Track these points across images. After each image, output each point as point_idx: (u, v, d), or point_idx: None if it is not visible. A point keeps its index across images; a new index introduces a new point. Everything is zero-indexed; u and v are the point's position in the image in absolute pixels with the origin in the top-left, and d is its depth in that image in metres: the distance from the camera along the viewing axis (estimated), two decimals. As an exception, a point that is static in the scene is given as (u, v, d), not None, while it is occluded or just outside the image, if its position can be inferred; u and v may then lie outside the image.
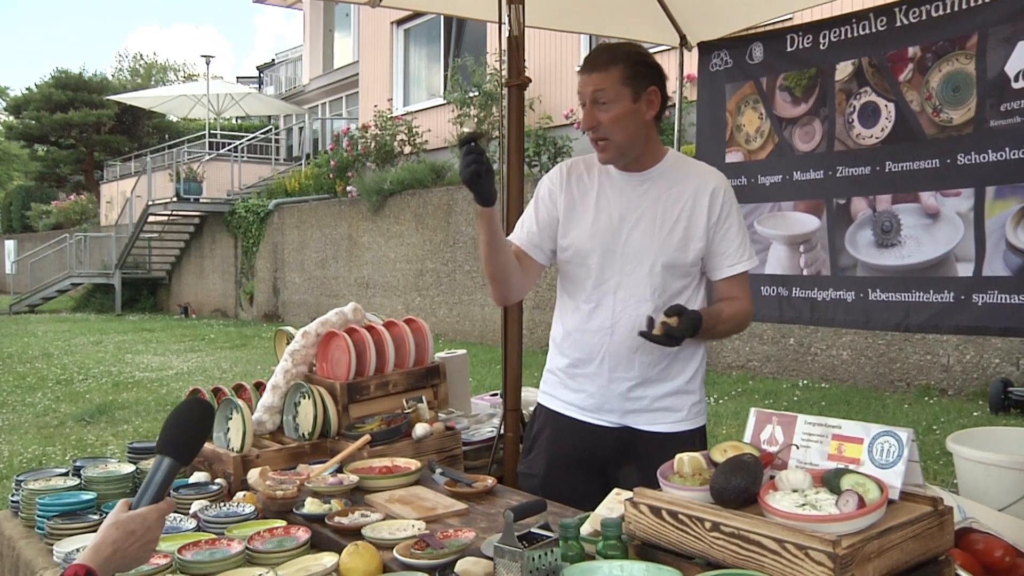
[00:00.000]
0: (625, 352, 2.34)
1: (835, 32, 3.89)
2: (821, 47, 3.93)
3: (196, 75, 40.54)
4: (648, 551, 1.61)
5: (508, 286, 2.36)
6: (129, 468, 2.45)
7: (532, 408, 2.66)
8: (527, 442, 2.55)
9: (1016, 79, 3.32)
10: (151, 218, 20.37)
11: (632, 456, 2.37)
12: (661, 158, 2.41)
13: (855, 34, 3.82)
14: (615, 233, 2.34)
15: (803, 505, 1.45)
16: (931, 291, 3.57)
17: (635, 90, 2.29)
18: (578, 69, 2.34)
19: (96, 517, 2.11)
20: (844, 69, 3.84)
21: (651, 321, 2.16)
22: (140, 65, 45.80)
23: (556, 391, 2.48)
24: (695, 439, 2.42)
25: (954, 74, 3.49)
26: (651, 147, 2.39)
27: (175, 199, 19.74)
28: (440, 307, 13.31)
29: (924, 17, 3.57)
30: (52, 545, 2.01)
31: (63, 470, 2.53)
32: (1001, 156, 3.37)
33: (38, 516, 2.17)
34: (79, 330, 16.56)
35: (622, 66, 2.28)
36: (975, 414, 6.87)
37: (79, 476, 2.41)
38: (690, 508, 1.54)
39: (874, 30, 3.74)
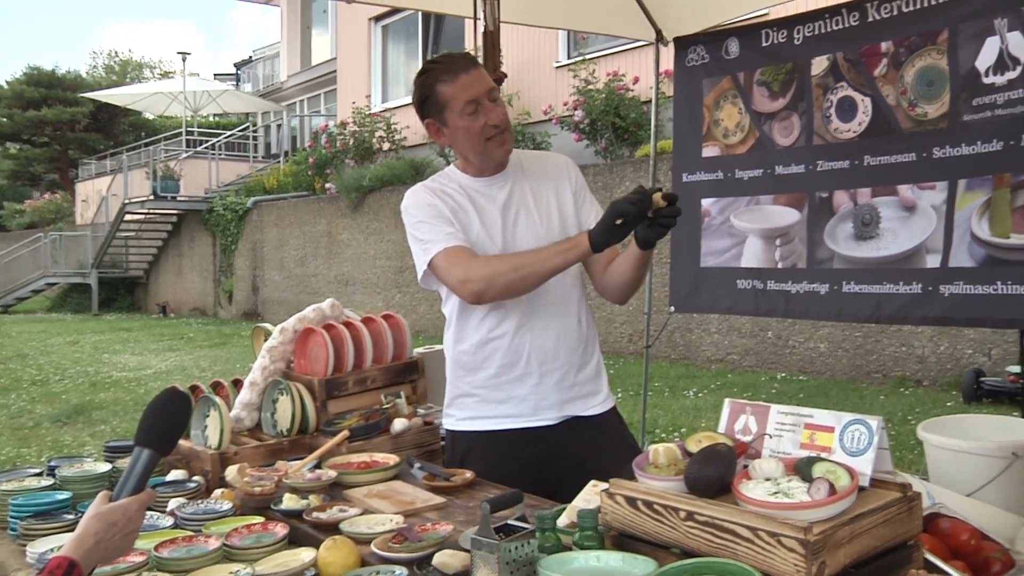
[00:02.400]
0: (550, 343, 2.34)
1: (809, 27, 3.92)
2: (796, 42, 3.96)
3: (172, 72, 40.24)
4: (624, 541, 1.62)
5: None
6: (106, 467, 2.43)
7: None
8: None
9: (987, 74, 3.37)
10: (128, 217, 20.23)
11: (575, 444, 2.36)
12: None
13: (828, 29, 3.85)
14: (502, 232, 2.33)
15: (775, 493, 1.47)
16: (901, 282, 3.61)
17: None
18: (462, 74, 2.25)
19: (71, 517, 2.10)
20: (819, 64, 3.88)
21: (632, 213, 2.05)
22: (115, 62, 45.32)
23: (478, 411, 2.39)
24: (618, 416, 2.49)
25: (927, 69, 3.53)
26: None
27: (152, 197, 19.63)
28: (421, 304, 13.30)
29: (895, 12, 3.61)
30: (25, 546, 1.99)
31: (37, 470, 2.51)
32: (973, 150, 3.41)
33: (11, 517, 2.14)
34: (55, 330, 16.42)
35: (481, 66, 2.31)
36: (949, 404, 6.96)
37: (54, 476, 2.40)
38: (665, 498, 1.55)
39: (847, 25, 3.78)
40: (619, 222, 2.03)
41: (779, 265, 4.03)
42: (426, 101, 2.31)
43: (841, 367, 8.50)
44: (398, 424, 2.58)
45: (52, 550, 1.81)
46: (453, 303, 2.40)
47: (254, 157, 24.03)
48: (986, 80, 3.36)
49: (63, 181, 32.89)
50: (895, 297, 3.62)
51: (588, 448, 2.36)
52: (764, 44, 4.07)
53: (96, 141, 32.33)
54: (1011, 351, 7.19)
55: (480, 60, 3.43)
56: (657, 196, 2.02)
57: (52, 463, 2.55)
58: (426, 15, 16.59)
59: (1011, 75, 3.30)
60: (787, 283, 3.99)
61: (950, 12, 3.45)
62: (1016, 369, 6.45)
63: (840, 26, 3.79)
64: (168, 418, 1.57)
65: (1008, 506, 2.62)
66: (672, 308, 4.54)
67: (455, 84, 2.24)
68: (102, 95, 28.03)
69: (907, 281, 3.58)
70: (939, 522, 1.78)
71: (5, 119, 32.88)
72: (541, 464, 2.35)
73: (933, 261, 3.52)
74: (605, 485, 1.70)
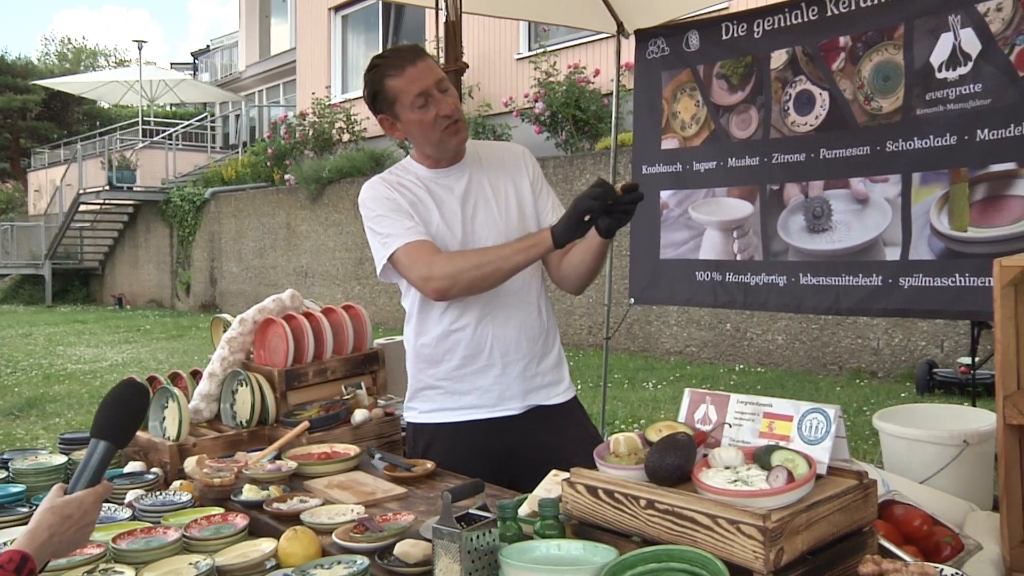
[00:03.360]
0: (512, 333, 2.34)
1: (769, 21, 3.96)
2: (756, 36, 4.00)
3: (128, 61, 39.47)
4: (585, 530, 1.63)
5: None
6: (61, 459, 2.39)
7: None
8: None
9: (940, 70, 3.43)
10: (82, 207, 19.87)
11: (538, 433, 2.37)
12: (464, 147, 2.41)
13: (788, 23, 3.89)
14: (462, 223, 2.33)
15: (735, 481, 1.49)
16: (860, 275, 3.66)
17: None
18: (408, 67, 2.24)
19: (26, 510, 2.06)
20: (779, 57, 3.92)
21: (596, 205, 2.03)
22: (68, 49, 44.22)
23: (441, 403, 2.39)
24: (579, 406, 2.52)
25: (884, 64, 3.59)
26: None
27: (107, 187, 19.28)
28: (380, 296, 13.24)
29: (854, 7, 3.66)
30: (-21, 539, 1.96)
31: (-10, 463, 2.47)
32: (926, 144, 3.48)
33: (-36, 510, 2.11)
34: (6, 322, 16.10)
35: (430, 57, 2.31)
36: (903, 395, 7.09)
37: (7, 469, 2.36)
38: (626, 487, 1.57)
39: (806, 19, 3.82)
40: (587, 219, 2.04)
41: (737, 257, 4.07)
42: (376, 97, 2.31)
43: (798, 359, 8.62)
44: (358, 415, 2.57)
45: (5, 543, 1.77)
46: (413, 296, 2.39)
47: (212, 148, 23.71)
48: (939, 75, 3.42)
49: (15, 170, 32.15)
50: (854, 289, 3.67)
51: (551, 437, 2.37)
52: (724, 37, 4.10)
53: (49, 130, 31.63)
54: (963, 343, 7.35)
55: (441, 50, 3.42)
56: (617, 187, 2.03)
57: (5, 456, 2.50)
58: (386, 5, 16.48)
59: (963, 70, 3.36)
60: (746, 275, 4.04)
61: (906, 8, 3.51)
62: (967, 360, 6.59)
63: (799, 20, 3.84)
64: (125, 410, 1.55)
65: (958, 492, 2.68)
66: (631, 300, 4.57)
67: (403, 78, 2.24)
68: (55, 83, 27.44)
69: (866, 274, 3.64)
70: (893, 509, 1.82)
71: (-48, 105, 32.04)
72: (504, 454, 2.36)
73: (892, 254, 3.58)
74: (566, 474, 1.70)
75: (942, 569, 1.41)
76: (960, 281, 3.38)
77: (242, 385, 2.62)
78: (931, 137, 3.46)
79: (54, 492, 1.46)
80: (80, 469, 1.48)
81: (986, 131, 3.32)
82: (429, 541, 1.59)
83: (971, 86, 3.35)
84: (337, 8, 17.89)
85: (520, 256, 2.17)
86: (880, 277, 3.61)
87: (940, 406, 4.01)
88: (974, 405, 4.39)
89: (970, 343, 6.08)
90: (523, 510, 1.78)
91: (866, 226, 3.65)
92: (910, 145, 3.52)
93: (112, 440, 1.51)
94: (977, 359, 5.81)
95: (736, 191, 4.08)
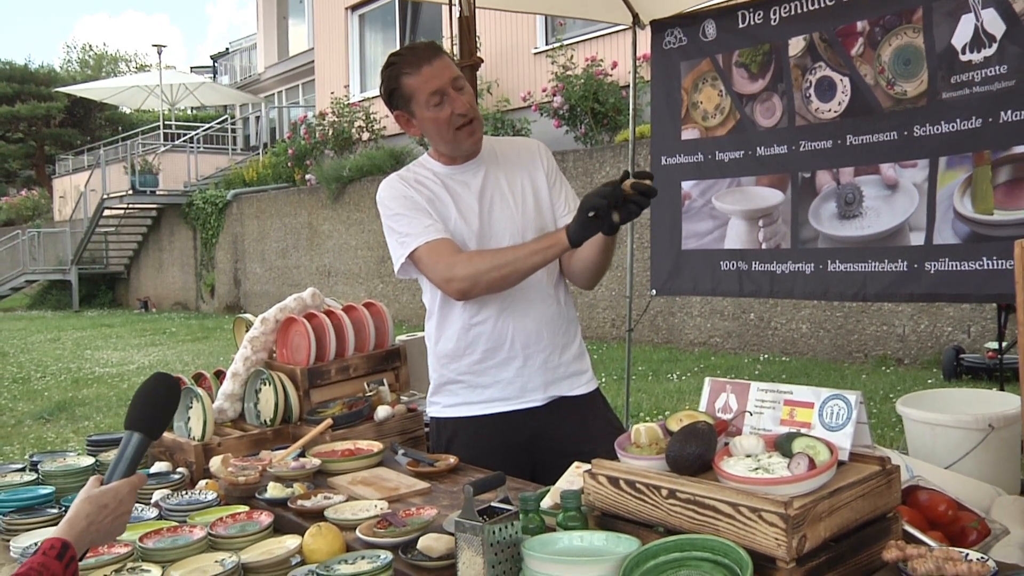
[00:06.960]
0: (533, 325, 2.35)
1: (784, 8, 3.93)
2: (772, 23, 3.97)
3: (148, 65, 39.80)
4: (608, 521, 1.63)
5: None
6: (89, 460, 2.42)
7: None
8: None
9: (963, 52, 3.39)
10: (107, 212, 20.07)
11: (561, 425, 2.38)
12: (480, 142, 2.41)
13: (804, 9, 3.86)
14: (479, 218, 2.34)
15: (756, 469, 1.48)
16: (886, 260, 3.63)
17: None
18: (424, 65, 2.24)
19: (55, 511, 2.09)
20: (796, 44, 3.89)
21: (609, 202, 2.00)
22: (89, 56, 44.72)
23: (464, 397, 2.41)
24: (602, 397, 2.52)
25: (904, 47, 3.55)
26: None
27: (131, 192, 19.47)
28: (403, 293, 13.28)
29: (869, -9, 3.63)
30: (9, 541, 1.99)
31: (19, 466, 2.50)
32: (953, 127, 3.44)
33: (-6, 512, 2.14)
34: (35, 328, 16.30)
35: (447, 55, 2.31)
36: (929, 381, 7.02)
37: (36, 471, 2.39)
38: (647, 477, 1.56)
39: (822, 5, 3.79)
40: (591, 215, 2.03)
41: (763, 246, 4.05)
42: (393, 94, 2.32)
43: (823, 347, 8.56)
44: (381, 411, 2.58)
45: (35, 544, 1.80)
46: (434, 293, 2.41)
47: (233, 150, 23.87)
48: (963, 57, 3.38)
49: (40, 177, 32.54)
50: (880, 275, 3.64)
51: (574, 429, 2.38)
52: (741, 26, 4.07)
53: (72, 136, 32.00)
54: (990, 328, 7.27)
55: (456, 46, 3.42)
56: (627, 184, 2.02)
57: (35, 458, 2.54)
58: (403, 2, 16.51)
59: (987, 52, 3.32)
60: (772, 263, 4.01)
61: (923, -10, 3.47)
62: (994, 345, 6.52)
63: (815, 6, 3.81)
64: (156, 402, 1.59)
65: (984, 477, 2.66)
66: (653, 291, 4.55)
67: (419, 76, 2.25)
68: (77, 90, 27.73)
69: (892, 259, 3.61)
70: (917, 494, 1.81)
71: (-23, 115, 32.47)
72: (528, 446, 2.37)
73: (917, 239, 3.55)
74: (588, 466, 1.70)
75: (968, 554, 1.40)
76: (988, 264, 3.34)
77: (265, 384, 2.64)
78: (957, 121, 3.43)
79: (91, 483, 1.50)
80: (115, 461, 1.52)
81: (1010, 112, 3.28)
82: (452, 535, 1.60)
83: (996, 68, 3.31)
84: (354, 7, 17.94)
85: (538, 257, 2.19)
86: (905, 263, 3.57)
87: (965, 391, 3.97)
88: (1002, 390, 4.34)
89: (997, 328, 6.01)
90: (545, 502, 1.78)
91: (894, 211, 3.62)
92: (937, 129, 3.48)
93: (145, 432, 1.55)
94: (1004, 343, 5.74)
95: (766, 179, 4.04)
